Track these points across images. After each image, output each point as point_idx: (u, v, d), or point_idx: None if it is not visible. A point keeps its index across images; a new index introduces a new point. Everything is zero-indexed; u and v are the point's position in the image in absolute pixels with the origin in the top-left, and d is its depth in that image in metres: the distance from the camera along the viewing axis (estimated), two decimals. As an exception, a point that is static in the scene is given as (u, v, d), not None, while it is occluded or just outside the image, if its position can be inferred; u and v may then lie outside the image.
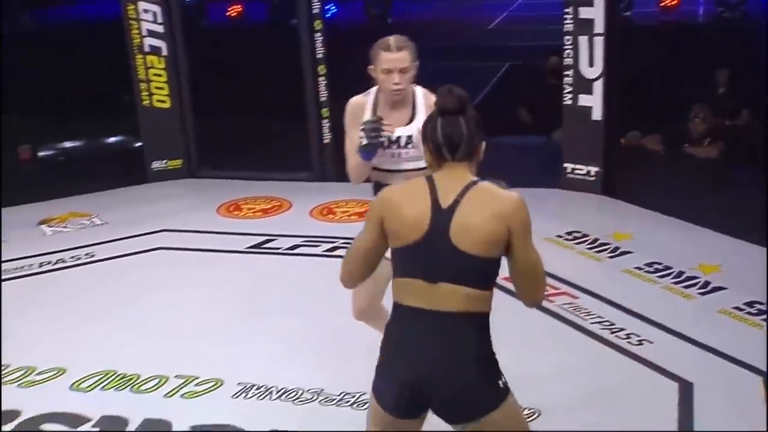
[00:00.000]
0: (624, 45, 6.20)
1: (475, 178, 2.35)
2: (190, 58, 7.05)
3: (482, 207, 2.28)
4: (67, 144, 7.73)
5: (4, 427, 3.56)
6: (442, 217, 2.28)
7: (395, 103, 3.27)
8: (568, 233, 5.50)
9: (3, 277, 5.21)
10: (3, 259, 5.44)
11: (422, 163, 2.74)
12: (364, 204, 6.34)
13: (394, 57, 3.13)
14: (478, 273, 2.29)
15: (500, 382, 2.35)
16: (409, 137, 3.25)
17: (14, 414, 3.65)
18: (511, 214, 2.28)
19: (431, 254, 2.28)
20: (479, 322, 2.32)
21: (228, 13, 10.25)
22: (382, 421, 2.42)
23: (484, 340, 2.34)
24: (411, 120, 3.27)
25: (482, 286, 2.30)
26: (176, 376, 3.89)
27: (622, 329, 4.21)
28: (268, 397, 3.70)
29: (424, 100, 3.27)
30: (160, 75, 7.00)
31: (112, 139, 7.81)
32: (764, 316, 4.29)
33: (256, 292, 4.84)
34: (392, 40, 3.17)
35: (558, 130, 7.02)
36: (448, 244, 2.27)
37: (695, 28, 8.72)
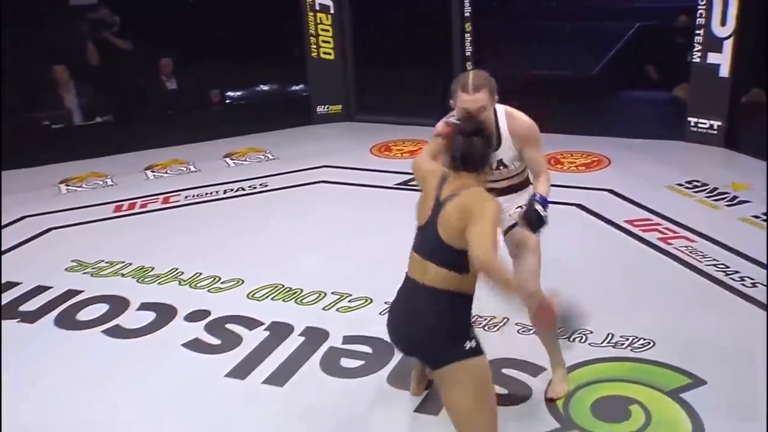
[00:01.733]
0: (757, 4, 5.73)
1: (475, 187, 2.46)
2: (353, 15, 7.06)
3: (463, 203, 2.41)
4: (248, 90, 7.96)
5: (199, 324, 3.77)
6: (437, 207, 2.47)
7: None
8: (689, 182, 5.23)
9: (197, 200, 5.48)
10: (198, 185, 5.73)
11: (515, 179, 3.02)
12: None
13: (471, 99, 2.75)
14: (452, 259, 2.41)
15: (466, 345, 2.43)
16: (500, 161, 2.93)
17: (205, 313, 3.87)
18: (470, 211, 2.37)
19: (427, 237, 2.49)
20: (449, 297, 2.44)
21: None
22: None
23: (452, 312, 2.45)
24: (498, 145, 2.88)
25: (457, 270, 2.42)
26: (332, 293, 4.00)
27: (736, 272, 4.00)
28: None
29: (506, 122, 2.90)
30: (327, 30, 7.07)
31: (285, 86, 7.98)
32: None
33: (404, 224, 4.82)
34: (470, 80, 2.79)
35: (679, 86, 6.64)
36: (436, 232, 2.45)
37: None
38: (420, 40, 7.26)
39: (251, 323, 3.76)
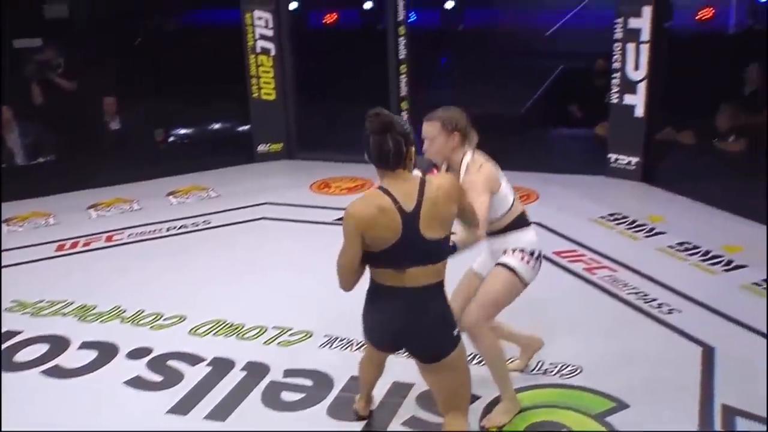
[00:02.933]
0: (665, 52, 6.00)
1: (419, 178, 2.49)
2: (293, 58, 7.10)
3: (439, 201, 2.45)
4: (192, 128, 7.90)
5: (141, 361, 3.68)
6: (410, 219, 2.43)
7: (448, 167, 3.02)
8: (610, 215, 5.38)
9: (140, 238, 5.38)
10: (141, 223, 5.62)
11: (495, 224, 3.02)
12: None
13: (424, 127, 2.95)
14: (441, 250, 2.51)
15: (454, 332, 2.59)
16: None
17: (147, 350, 3.77)
18: (457, 194, 2.52)
19: (406, 250, 2.44)
20: (439, 287, 2.54)
21: (325, 20, 10.24)
22: (370, 349, 2.92)
23: (443, 300, 2.57)
24: None
25: (443, 259, 2.52)
26: (273, 327, 3.95)
27: (654, 299, 4.11)
28: (349, 348, 3.73)
29: (470, 164, 2.95)
30: (268, 72, 7.08)
31: (227, 125, 7.94)
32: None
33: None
34: (433, 112, 2.94)
35: (600, 124, 6.86)
36: (421, 239, 2.44)
37: (727, 38, 8.36)
38: (359, 81, 7.34)
39: (193, 359, 3.68)
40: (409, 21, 6.71)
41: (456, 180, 2.58)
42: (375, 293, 2.57)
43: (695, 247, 4.76)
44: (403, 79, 6.78)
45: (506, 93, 8.09)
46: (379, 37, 6.93)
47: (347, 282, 2.56)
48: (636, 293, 4.18)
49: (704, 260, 4.62)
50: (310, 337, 3.85)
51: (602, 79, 6.75)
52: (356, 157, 6.98)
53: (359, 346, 3.71)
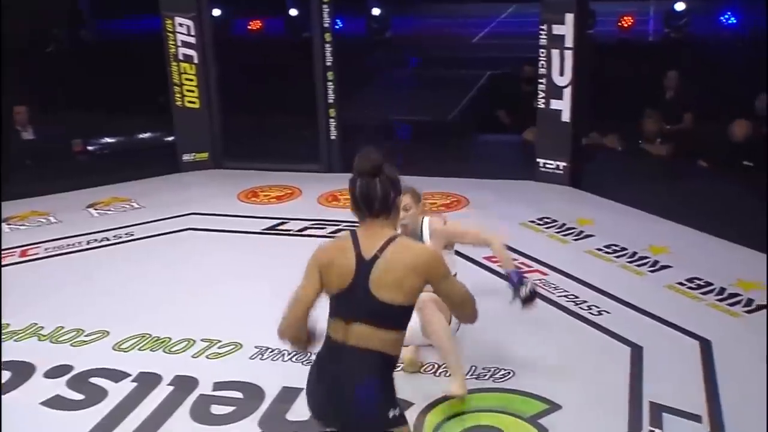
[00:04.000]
0: (589, 58, 6.18)
1: (394, 233, 2.32)
2: (217, 65, 7.01)
3: (399, 261, 2.25)
4: (112, 138, 7.69)
5: (60, 380, 3.55)
6: (364, 268, 2.26)
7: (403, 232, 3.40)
8: (540, 219, 5.49)
9: (58, 252, 5.21)
10: (59, 237, 5.44)
11: None
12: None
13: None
14: (391, 317, 2.27)
15: (394, 413, 2.27)
16: None
17: (67, 368, 3.65)
18: (426, 268, 2.27)
19: (353, 300, 2.27)
20: (384, 359, 2.28)
21: (249, 27, 10.17)
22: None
23: (385, 376, 2.29)
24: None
25: (393, 328, 2.28)
26: (202, 340, 3.88)
27: (584, 301, 4.22)
28: (281, 358, 3.70)
29: (428, 228, 3.60)
30: (191, 80, 6.95)
31: (149, 135, 7.77)
32: (703, 290, 4.32)
33: (271, 268, 4.82)
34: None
35: (528, 129, 7.02)
36: (367, 293, 2.25)
37: (646, 45, 8.73)
38: (285, 89, 7.31)
39: (117, 375, 3.58)
40: (334, 28, 6.71)
41: (433, 258, 2.31)
42: (322, 350, 2.36)
43: (623, 249, 4.92)
44: (331, 86, 6.77)
45: (434, 100, 8.20)
46: (305, 45, 6.90)
47: (286, 321, 2.37)
48: (566, 296, 4.28)
49: (631, 261, 4.77)
50: (239, 348, 3.80)
51: (530, 84, 6.92)
52: (284, 165, 7.05)
53: (291, 356, 3.68)
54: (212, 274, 4.76)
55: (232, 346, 3.81)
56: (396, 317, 2.28)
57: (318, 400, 2.34)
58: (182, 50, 6.85)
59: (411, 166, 6.83)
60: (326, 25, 6.62)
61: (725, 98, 6.05)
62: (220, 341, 3.86)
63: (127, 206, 6.16)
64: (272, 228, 5.58)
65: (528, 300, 3.41)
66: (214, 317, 4.13)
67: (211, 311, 4.21)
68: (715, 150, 6.10)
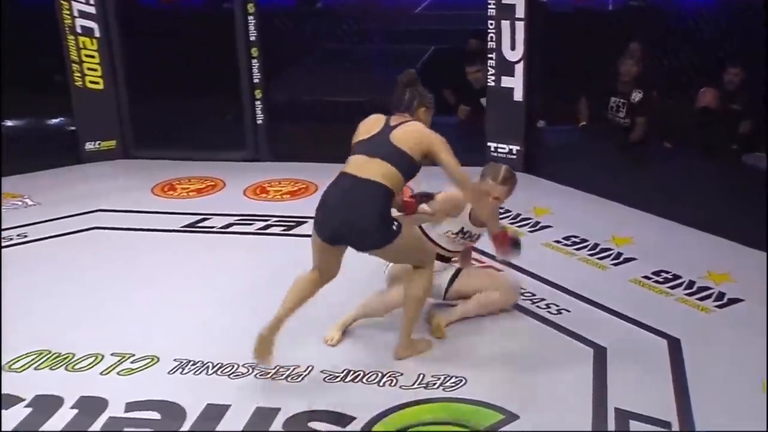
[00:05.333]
0: (543, 29, 6.26)
1: (412, 119, 3.59)
2: (123, 39, 6.85)
3: (412, 131, 3.52)
4: None
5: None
6: (388, 128, 3.54)
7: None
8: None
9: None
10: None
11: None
12: (296, 183, 6.31)
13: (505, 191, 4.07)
14: (401, 159, 3.46)
15: (393, 227, 3.46)
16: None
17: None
18: (428, 142, 3.50)
19: (376, 143, 3.49)
20: (385, 190, 3.43)
21: (160, -4, 9.96)
22: (317, 244, 3.61)
23: (386, 201, 3.45)
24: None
25: (399, 168, 3.45)
26: (112, 354, 3.79)
27: (542, 299, 4.27)
28: (204, 371, 3.64)
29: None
30: (92, 56, 6.79)
31: (44, 120, 7.55)
32: (670, 284, 4.43)
33: (190, 270, 4.76)
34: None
35: (460, 107, 7.11)
36: (388, 140, 3.49)
37: (606, 15, 8.87)
38: (205, 66, 7.21)
39: (8, 400, 3.45)
40: (260, -1, 6.65)
41: (433, 138, 3.52)
42: (333, 182, 3.55)
43: (583, 241, 5.01)
44: (255, 64, 6.70)
45: (372, 78, 8.18)
46: (226, 17, 6.80)
47: None
48: (522, 293, 4.32)
49: (593, 254, 4.86)
50: (156, 362, 3.72)
51: (477, 60, 6.97)
52: (205, 153, 6.95)
53: (216, 368, 3.64)
54: (123, 278, 4.66)
55: (148, 360, 3.74)
56: (402, 161, 3.46)
57: (330, 202, 3.49)
58: (80, 21, 6.67)
59: (346, 152, 6.85)
60: (252, -6, 6.54)
61: (692, 71, 6.21)
62: (133, 355, 3.77)
63: (20, 203, 5.97)
64: (192, 225, 5.50)
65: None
66: (126, 328, 4.04)
67: (122, 321, 4.12)
68: (681, 128, 6.28)
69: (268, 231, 5.39)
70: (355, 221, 3.41)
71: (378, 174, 3.42)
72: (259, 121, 6.84)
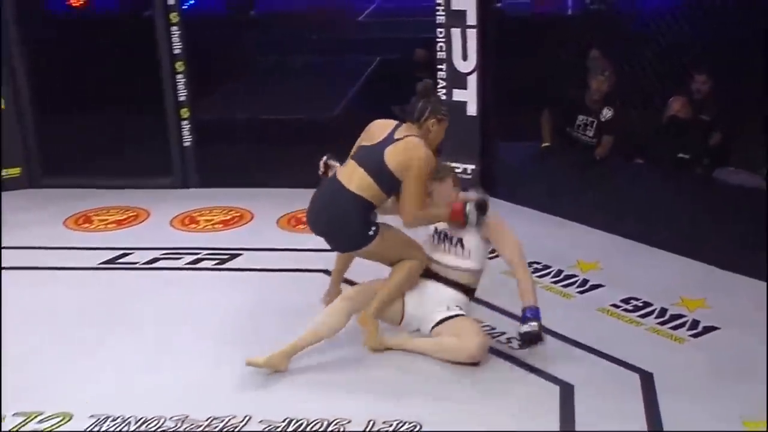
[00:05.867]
0: (498, 38, 6.35)
1: (416, 135, 4.01)
2: (27, 51, 6.77)
3: (405, 150, 3.96)
4: None
5: None
6: (389, 140, 3.99)
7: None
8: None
9: None
10: None
11: (457, 274, 4.24)
12: (229, 211, 6.28)
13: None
14: (385, 177, 3.94)
15: (370, 232, 3.97)
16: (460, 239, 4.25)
17: None
18: (412, 165, 3.94)
19: (371, 154, 3.98)
20: (363, 205, 3.95)
21: (70, 2, 9.83)
22: None
23: (362, 213, 3.95)
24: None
25: (381, 185, 3.94)
26: (15, 414, 3.69)
27: (502, 333, 4.30)
28: (125, 428, 3.57)
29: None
30: (-11, 71, 6.71)
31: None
32: (641, 312, 4.51)
33: (109, 312, 4.69)
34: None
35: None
36: (382, 156, 3.95)
37: (566, 20, 9.02)
38: (123, 83, 7.16)
39: None
40: (184, 5, 6.64)
41: (420, 161, 3.96)
42: (328, 180, 4.16)
43: (546, 267, 5.07)
44: (181, 79, 6.68)
45: (314, 93, 8.21)
46: (146, 26, 6.77)
47: None
48: (481, 327, 4.34)
49: (557, 282, 4.92)
50: (68, 420, 3.64)
51: (425, 71, 7.04)
52: (126, 180, 6.87)
53: (139, 424, 3.57)
54: (30, 324, 4.58)
55: (59, 419, 3.66)
56: (385, 179, 3.95)
57: (315, 206, 4.08)
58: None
59: (287, 176, 6.90)
60: (171, 1, 6.52)
61: (657, 79, 6.34)
62: (41, 413, 3.69)
63: None
64: (112, 261, 5.45)
65: (528, 340, 3.97)
66: (33, 381, 3.96)
67: (27, 373, 4.03)
68: (649, 142, 6.40)
69: (198, 265, 5.35)
70: (333, 227, 4.03)
71: (359, 187, 3.94)
72: (187, 144, 6.81)
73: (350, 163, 4.05)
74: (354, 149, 4.14)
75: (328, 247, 5.20)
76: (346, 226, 3.98)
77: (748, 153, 6.13)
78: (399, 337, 4.18)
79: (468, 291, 4.24)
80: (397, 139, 3.98)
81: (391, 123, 4.08)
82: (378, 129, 4.09)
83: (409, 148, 3.95)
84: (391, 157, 3.94)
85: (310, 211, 4.13)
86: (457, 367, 4.00)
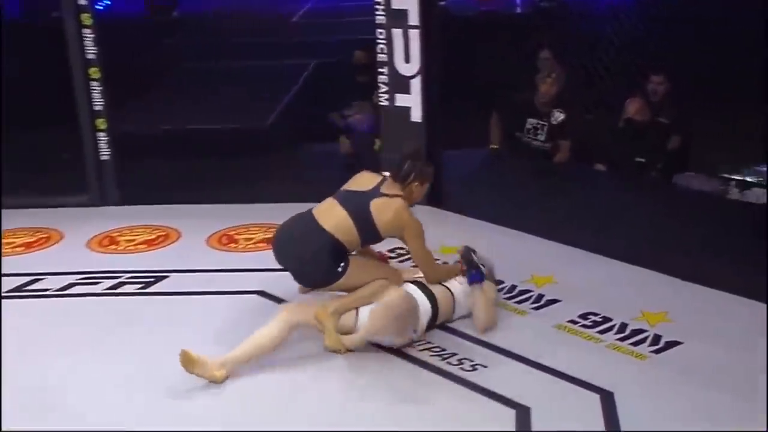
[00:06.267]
0: (443, 38, 6.37)
1: (400, 195, 4.40)
2: None
3: (389, 211, 4.35)
4: None
5: None
6: (375, 192, 4.39)
7: None
8: (389, 250, 5.53)
9: None
10: None
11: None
12: (153, 230, 6.20)
13: None
14: (367, 226, 4.32)
15: (338, 269, 4.28)
16: None
17: None
18: (399, 227, 4.39)
19: (356, 199, 4.36)
20: (336, 247, 4.26)
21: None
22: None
23: (333, 255, 4.26)
24: None
25: (361, 233, 4.30)
26: None
27: (453, 354, 4.31)
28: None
29: None
30: None
31: None
32: (600, 328, 4.54)
33: (15, 345, 4.56)
34: None
35: (340, 139, 7.17)
36: (368, 206, 4.33)
37: (514, 18, 9.12)
38: (30, 92, 7.06)
39: None
40: (97, 5, 6.55)
41: (404, 224, 4.42)
42: (303, 213, 4.46)
43: (498, 283, 5.07)
44: (97, 88, 6.58)
45: (245, 101, 8.17)
46: (55, 30, 6.65)
47: None
48: (429, 349, 4.35)
49: (510, 298, 4.94)
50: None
51: (365, 75, 7.05)
52: (35, 199, 6.73)
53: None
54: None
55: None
56: (367, 228, 4.32)
57: (282, 238, 4.42)
58: None
59: (219, 192, 6.84)
60: (83, 2, 6.43)
61: (612, 81, 6.43)
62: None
63: None
64: (20, 289, 5.34)
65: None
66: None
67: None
68: (605, 147, 6.49)
69: (119, 290, 5.26)
70: (300, 263, 4.32)
71: (336, 227, 4.27)
72: (104, 158, 6.71)
73: (330, 202, 4.40)
74: (337, 192, 4.48)
75: (261, 266, 5.22)
76: (315, 265, 4.29)
77: (708, 156, 6.27)
78: (352, 336, 4.34)
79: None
80: (383, 195, 4.37)
81: (378, 177, 4.52)
82: (365, 179, 4.51)
83: (398, 210, 4.35)
84: (378, 213, 4.32)
85: (278, 240, 4.42)
86: (408, 391, 4.01)
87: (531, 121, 6.74)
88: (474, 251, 4.66)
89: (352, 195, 4.42)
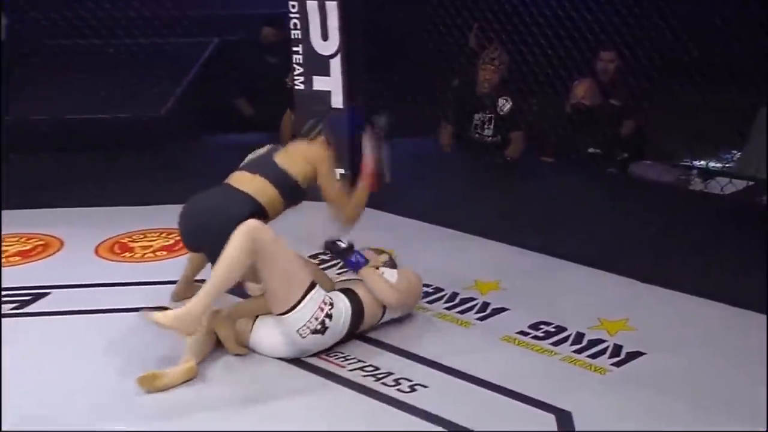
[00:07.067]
0: (365, 11, 6.45)
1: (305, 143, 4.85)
2: None
3: (294, 153, 4.74)
4: None
5: None
6: (273, 149, 4.78)
7: None
8: (312, 256, 5.56)
9: None
10: None
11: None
12: (29, 238, 6.10)
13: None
14: (284, 180, 4.57)
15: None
16: None
17: None
18: (316, 160, 4.68)
19: (260, 162, 4.69)
20: (256, 206, 4.42)
21: None
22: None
23: (249, 213, 4.31)
24: None
25: (281, 190, 4.54)
26: None
27: (388, 374, 4.31)
28: None
29: None
30: None
31: None
32: (554, 339, 4.61)
33: None
34: None
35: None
36: (273, 160, 4.65)
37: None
38: None
39: None
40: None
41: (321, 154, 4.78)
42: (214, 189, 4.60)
43: (437, 290, 5.13)
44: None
45: (135, 86, 8.09)
46: None
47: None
48: (361, 368, 4.37)
49: (451, 307, 4.98)
50: None
51: (276, 54, 7.04)
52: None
53: None
54: None
55: None
56: (285, 183, 4.57)
57: (193, 213, 4.48)
58: None
59: (104, 192, 6.72)
60: None
61: (559, 61, 6.51)
62: None
63: None
64: None
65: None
66: None
67: None
68: (554, 135, 6.59)
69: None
70: (221, 232, 4.18)
71: (254, 189, 4.47)
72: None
73: (238, 173, 4.63)
74: (236, 169, 4.71)
75: (164, 279, 5.18)
76: (231, 225, 4.20)
77: (667, 143, 6.38)
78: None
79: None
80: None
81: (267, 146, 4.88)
82: (256, 153, 4.83)
83: (307, 147, 4.77)
84: (286, 159, 4.64)
85: (189, 217, 4.51)
86: (333, 418, 4.01)
87: (477, 116, 6.81)
88: (336, 240, 4.81)
89: (253, 162, 4.72)
